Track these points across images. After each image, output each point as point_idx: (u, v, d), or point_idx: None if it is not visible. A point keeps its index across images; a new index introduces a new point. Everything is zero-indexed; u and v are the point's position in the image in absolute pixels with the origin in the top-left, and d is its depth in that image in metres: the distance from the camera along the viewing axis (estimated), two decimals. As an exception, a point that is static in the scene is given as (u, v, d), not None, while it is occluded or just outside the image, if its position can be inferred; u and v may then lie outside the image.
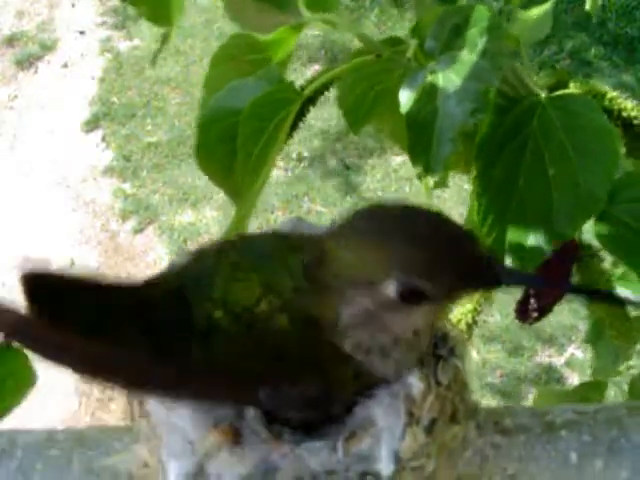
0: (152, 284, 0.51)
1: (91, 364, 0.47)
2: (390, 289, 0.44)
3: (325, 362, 0.48)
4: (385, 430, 0.50)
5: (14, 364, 0.66)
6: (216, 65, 0.74)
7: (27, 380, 0.66)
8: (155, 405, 0.52)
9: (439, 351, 0.54)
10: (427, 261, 0.44)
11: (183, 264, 0.52)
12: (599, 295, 0.47)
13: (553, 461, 0.56)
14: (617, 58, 3.29)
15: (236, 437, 0.50)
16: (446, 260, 0.44)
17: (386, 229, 0.45)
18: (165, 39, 0.63)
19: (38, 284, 0.48)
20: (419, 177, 0.61)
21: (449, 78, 0.60)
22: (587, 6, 0.86)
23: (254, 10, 0.72)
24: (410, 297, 0.44)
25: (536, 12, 0.79)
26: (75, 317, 0.48)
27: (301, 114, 0.70)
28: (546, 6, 0.79)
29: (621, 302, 0.48)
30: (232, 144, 0.66)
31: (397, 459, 0.50)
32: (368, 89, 0.74)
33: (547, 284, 0.46)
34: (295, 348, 0.48)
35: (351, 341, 0.47)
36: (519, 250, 0.62)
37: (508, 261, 0.62)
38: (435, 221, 0.45)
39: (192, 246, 2.81)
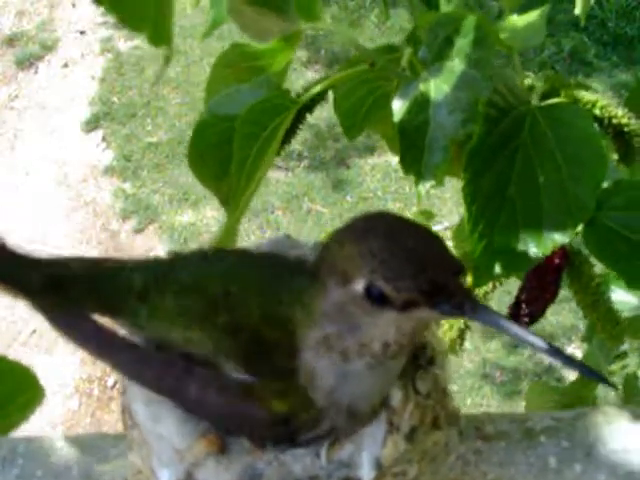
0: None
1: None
2: (359, 286, 0.46)
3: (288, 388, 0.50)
4: (366, 437, 0.52)
5: (24, 381, 0.67)
6: (215, 73, 0.75)
7: (36, 397, 0.68)
8: (143, 415, 0.54)
9: (418, 361, 0.55)
10: (395, 269, 0.45)
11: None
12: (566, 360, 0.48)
13: (533, 466, 0.57)
14: (617, 58, 3.29)
15: (222, 446, 0.52)
16: (414, 274, 0.45)
17: (368, 233, 0.47)
18: (167, 61, 0.64)
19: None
20: (415, 184, 0.62)
21: (440, 88, 0.61)
22: (576, 11, 0.87)
23: (255, 15, 0.73)
24: (375, 298, 0.46)
25: (529, 18, 0.80)
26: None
27: (297, 121, 0.71)
28: (539, 12, 0.80)
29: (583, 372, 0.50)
30: (225, 150, 0.67)
31: (378, 465, 0.51)
32: (364, 96, 0.74)
33: (511, 327, 0.47)
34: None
35: (320, 333, 0.48)
36: (508, 256, 0.63)
37: (498, 268, 0.63)
38: (420, 234, 0.47)
39: (192, 246, 2.81)
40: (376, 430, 0.51)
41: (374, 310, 0.46)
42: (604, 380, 0.49)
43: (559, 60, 3.25)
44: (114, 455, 0.60)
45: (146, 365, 0.52)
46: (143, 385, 0.53)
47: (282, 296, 0.50)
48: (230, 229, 0.68)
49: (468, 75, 0.60)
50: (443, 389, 0.55)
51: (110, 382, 2.62)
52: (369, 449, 0.51)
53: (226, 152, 0.67)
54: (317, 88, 0.68)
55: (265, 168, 0.66)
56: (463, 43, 0.60)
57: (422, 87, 0.62)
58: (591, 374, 0.49)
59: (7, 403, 0.66)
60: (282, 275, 0.53)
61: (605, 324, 0.73)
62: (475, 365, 2.55)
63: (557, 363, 2.56)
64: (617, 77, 3.20)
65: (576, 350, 2.56)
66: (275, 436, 0.51)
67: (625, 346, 1.21)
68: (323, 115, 3.03)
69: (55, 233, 2.92)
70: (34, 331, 2.64)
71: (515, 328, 0.46)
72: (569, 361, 0.47)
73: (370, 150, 3.06)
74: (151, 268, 0.55)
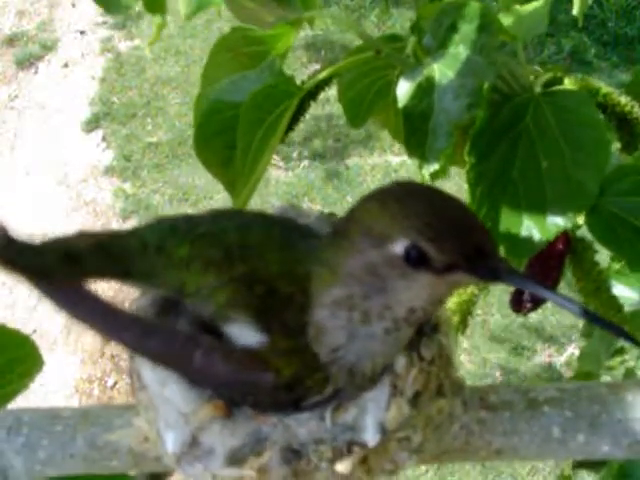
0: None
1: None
2: (398, 247, 0.46)
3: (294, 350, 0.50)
4: (370, 401, 0.52)
5: (23, 350, 0.68)
6: (214, 56, 0.75)
7: (35, 365, 0.69)
8: (151, 378, 0.55)
9: (423, 328, 0.55)
10: (440, 231, 0.46)
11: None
12: (589, 316, 0.48)
13: (537, 436, 0.58)
14: (616, 58, 3.29)
15: (228, 411, 0.53)
16: (458, 237, 0.46)
17: (409, 196, 0.48)
18: (160, 28, 0.64)
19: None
20: (420, 168, 0.62)
21: (445, 73, 0.61)
22: (574, 11, 0.87)
23: (255, 6, 0.73)
24: (414, 259, 0.46)
25: (532, 7, 0.80)
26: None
27: (301, 108, 0.71)
28: (540, 2, 0.80)
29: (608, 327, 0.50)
30: (231, 136, 0.67)
31: (383, 429, 0.52)
32: (368, 85, 0.75)
33: (545, 291, 0.48)
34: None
35: (343, 292, 0.48)
36: (512, 241, 0.63)
37: (501, 252, 0.63)
38: (456, 203, 0.48)
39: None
40: (380, 394, 0.52)
41: (410, 272, 0.46)
42: (638, 343, 0.49)
43: (559, 60, 3.25)
44: (119, 425, 0.60)
45: (150, 337, 0.52)
46: (149, 358, 0.54)
47: (299, 253, 0.51)
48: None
49: (473, 61, 0.60)
50: (447, 357, 0.56)
51: (110, 382, 2.62)
52: (373, 412, 0.52)
53: (231, 138, 0.68)
54: (322, 74, 0.68)
55: (269, 154, 0.66)
56: (468, 29, 0.61)
57: (426, 72, 0.62)
58: (624, 335, 0.49)
59: (7, 372, 0.67)
60: (297, 234, 0.53)
61: (607, 311, 0.74)
62: (475, 365, 2.55)
63: (558, 355, 2.56)
64: (617, 77, 3.20)
65: (576, 350, 2.56)
66: (279, 403, 0.51)
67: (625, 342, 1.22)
68: (324, 115, 3.03)
69: (55, 233, 2.92)
70: (34, 331, 2.64)
71: (546, 292, 0.47)
72: (601, 321, 0.48)
73: (370, 150, 3.06)
74: (167, 225, 0.55)
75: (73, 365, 2.66)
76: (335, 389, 0.51)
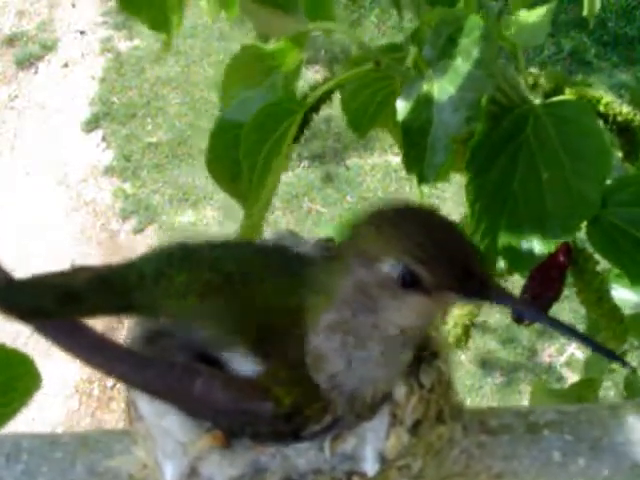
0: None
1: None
2: (390, 268, 0.46)
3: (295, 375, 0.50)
4: (369, 431, 0.52)
5: (22, 368, 0.68)
6: (230, 74, 0.76)
7: (34, 383, 0.69)
8: (148, 409, 0.55)
9: (422, 354, 0.55)
10: (431, 253, 0.46)
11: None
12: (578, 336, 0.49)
13: (537, 460, 0.57)
14: (617, 58, 3.29)
15: (226, 441, 0.52)
16: (448, 259, 0.46)
17: (402, 219, 0.48)
18: (167, 46, 0.65)
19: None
20: (418, 183, 0.62)
21: (444, 88, 0.61)
22: (584, 12, 0.87)
23: (266, 14, 0.74)
24: (406, 280, 0.46)
25: (533, 16, 0.80)
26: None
27: (304, 123, 0.71)
28: (543, 10, 0.80)
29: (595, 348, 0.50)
30: (237, 153, 0.68)
31: (382, 459, 0.52)
32: (370, 96, 0.75)
33: (534, 314, 0.49)
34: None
35: (337, 316, 0.49)
36: (513, 254, 0.63)
37: (501, 265, 0.63)
38: (449, 226, 0.48)
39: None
40: (379, 424, 0.52)
41: (402, 293, 0.47)
42: (626, 364, 0.50)
43: (559, 60, 3.25)
44: (119, 451, 0.60)
45: (147, 369, 0.52)
46: (147, 392, 0.53)
47: (297, 282, 0.51)
48: (249, 232, 0.69)
49: (473, 75, 0.60)
50: (447, 383, 0.56)
51: (110, 382, 2.62)
52: (372, 442, 0.52)
53: (238, 156, 0.69)
54: (323, 88, 0.68)
55: (277, 171, 0.66)
56: (467, 42, 0.60)
57: (426, 87, 0.62)
58: (614, 357, 0.49)
59: (9, 390, 0.67)
60: (295, 262, 0.53)
61: (609, 321, 0.73)
62: (475, 365, 2.55)
63: (558, 355, 2.56)
64: (617, 77, 3.20)
65: (576, 350, 2.56)
66: (278, 433, 0.51)
67: (625, 346, 1.22)
68: (324, 115, 3.02)
69: (55, 233, 2.92)
70: (34, 331, 2.63)
71: (536, 314, 0.49)
72: (592, 344, 0.49)
73: (370, 150, 3.06)
74: (163, 254, 0.56)
75: (73, 365, 2.65)
76: (334, 418, 0.51)
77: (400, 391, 0.53)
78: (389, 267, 0.46)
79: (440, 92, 0.61)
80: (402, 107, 0.62)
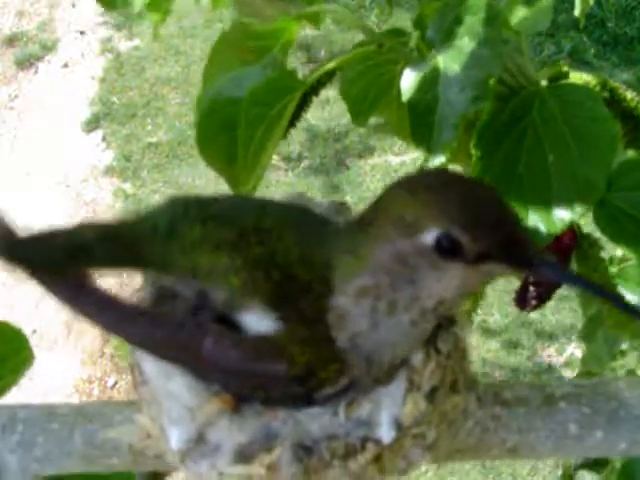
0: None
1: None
2: (430, 236, 0.45)
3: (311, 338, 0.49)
4: (386, 396, 0.51)
5: (14, 344, 0.67)
6: (217, 53, 0.75)
7: (26, 360, 0.68)
8: (153, 372, 0.53)
9: (440, 321, 0.53)
10: (472, 220, 0.44)
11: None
12: (603, 292, 0.48)
13: (553, 432, 0.56)
14: (616, 58, 3.29)
15: (236, 405, 0.51)
16: (490, 226, 0.45)
17: (440, 184, 0.46)
18: (157, 26, 0.65)
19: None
20: (425, 161, 0.62)
21: (450, 66, 0.60)
22: (576, 12, 0.87)
23: (260, 2, 0.73)
24: (446, 248, 0.45)
25: (536, 5, 0.79)
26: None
27: (303, 104, 0.71)
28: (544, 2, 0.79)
29: (623, 306, 0.48)
30: (233, 132, 0.67)
31: (398, 425, 0.50)
32: (371, 81, 0.74)
33: (577, 282, 0.47)
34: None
35: (370, 280, 0.47)
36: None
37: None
38: (488, 192, 0.46)
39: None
40: (396, 389, 0.50)
41: (442, 262, 0.45)
42: None
43: (559, 60, 3.25)
44: (118, 421, 0.58)
45: (157, 328, 0.50)
46: (156, 352, 0.52)
47: (318, 238, 0.49)
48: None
49: (478, 53, 0.60)
50: (463, 350, 0.55)
51: (110, 382, 2.61)
52: (388, 408, 0.50)
53: (233, 135, 0.67)
54: (324, 68, 0.68)
55: (272, 148, 0.65)
56: (473, 21, 0.60)
57: (431, 64, 0.61)
58: None
59: (0, 366, 0.66)
60: (315, 219, 0.52)
61: (612, 309, 0.73)
62: (475, 365, 2.55)
63: (558, 355, 2.56)
64: (617, 77, 3.20)
65: (576, 350, 2.56)
66: (292, 396, 0.50)
67: (625, 346, 1.22)
68: (323, 115, 3.03)
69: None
70: (34, 331, 2.63)
71: (578, 281, 0.47)
72: (631, 309, 0.48)
73: (370, 150, 3.06)
74: (178, 206, 0.53)
75: (73, 365, 2.65)
76: (350, 381, 0.49)
77: (417, 356, 0.52)
78: (429, 235, 0.45)
79: (446, 70, 0.60)
80: (407, 85, 0.62)
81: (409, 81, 0.62)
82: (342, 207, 0.58)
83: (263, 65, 0.68)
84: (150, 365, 0.53)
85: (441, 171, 0.49)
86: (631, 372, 1.27)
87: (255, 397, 0.51)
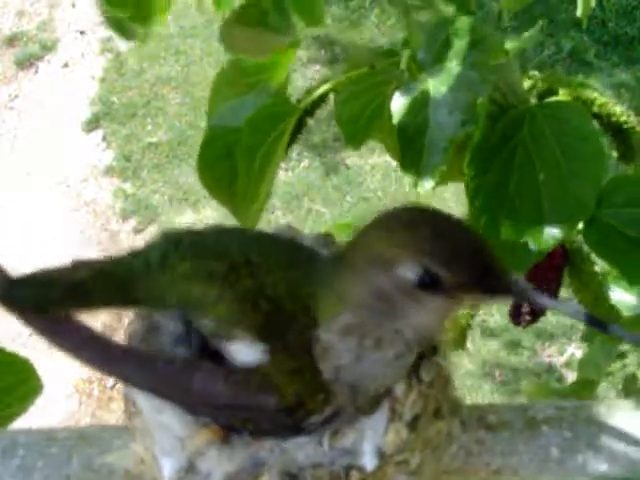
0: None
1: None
2: (409, 271, 0.46)
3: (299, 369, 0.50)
4: (369, 426, 0.52)
5: (23, 373, 0.68)
6: (216, 91, 0.76)
7: (35, 389, 0.68)
8: (145, 404, 0.54)
9: (422, 350, 0.54)
10: (451, 253, 0.46)
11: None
12: (595, 322, 0.48)
13: (536, 456, 0.57)
14: (617, 58, 3.28)
15: (225, 436, 0.52)
16: (467, 258, 0.46)
17: (414, 221, 0.48)
18: (144, 38, 0.65)
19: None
20: (414, 185, 0.62)
21: (438, 89, 0.61)
22: (578, 12, 0.87)
23: (249, 35, 0.73)
24: (427, 283, 0.46)
25: None
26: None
27: (299, 126, 0.71)
28: None
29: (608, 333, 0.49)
30: (231, 161, 0.68)
31: (380, 454, 0.52)
32: (364, 104, 0.74)
33: (557, 306, 0.48)
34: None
35: (353, 319, 0.48)
36: (509, 253, 0.63)
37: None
38: (460, 225, 0.48)
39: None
40: (378, 418, 0.52)
41: (423, 297, 0.46)
42: None
43: (559, 60, 3.25)
44: (116, 446, 0.60)
45: (147, 367, 0.51)
46: (148, 390, 0.53)
47: (303, 272, 0.51)
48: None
49: (466, 76, 0.60)
50: (446, 378, 0.56)
51: (110, 382, 2.62)
52: (371, 437, 0.52)
53: (231, 164, 0.68)
54: (318, 92, 0.68)
55: (272, 174, 0.66)
56: (460, 44, 0.61)
57: (421, 87, 0.62)
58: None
59: (7, 394, 0.67)
60: (301, 253, 0.53)
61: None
62: (475, 365, 2.55)
63: (558, 355, 2.56)
64: (617, 77, 3.19)
65: (576, 350, 2.56)
66: (280, 426, 0.51)
67: (625, 346, 1.22)
68: (323, 115, 3.02)
69: (55, 233, 2.92)
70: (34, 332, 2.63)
71: (558, 305, 0.48)
72: (610, 330, 0.48)
73: (370, 150, 3.06)
74: (170, 240, 0.54)
75: (73, 365, 2.65)
76: (334, 410, 0.50)
77: (400, 386, 0.53)
78: (407, 271, 0.46)
79: (435, 92, 0.61)
80: (397, 108, 0.62)
81: (399, 104, 0.62)
82: (328, 239, 0.59)
83: (258, 93, 0.68)
84: (142, 398, 0.54)
85: (414, 208, 0.50)
86: (630, 375, 1.27)
87: (244, 428, 0.52)
